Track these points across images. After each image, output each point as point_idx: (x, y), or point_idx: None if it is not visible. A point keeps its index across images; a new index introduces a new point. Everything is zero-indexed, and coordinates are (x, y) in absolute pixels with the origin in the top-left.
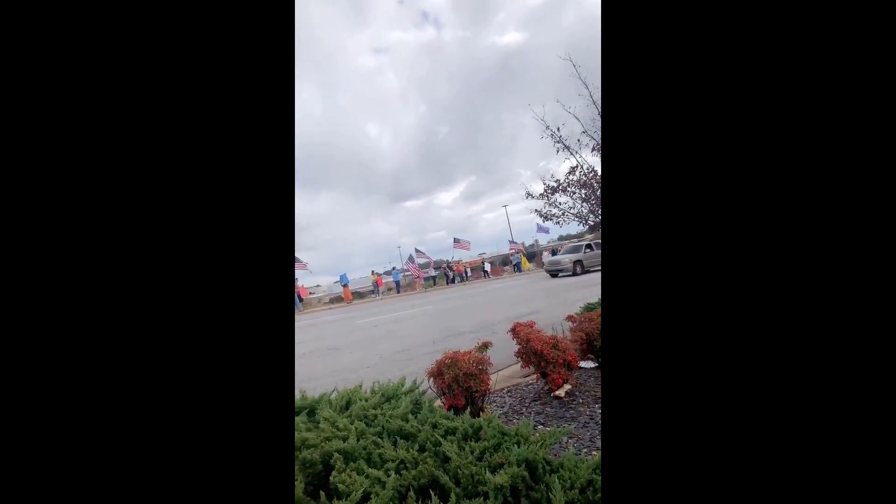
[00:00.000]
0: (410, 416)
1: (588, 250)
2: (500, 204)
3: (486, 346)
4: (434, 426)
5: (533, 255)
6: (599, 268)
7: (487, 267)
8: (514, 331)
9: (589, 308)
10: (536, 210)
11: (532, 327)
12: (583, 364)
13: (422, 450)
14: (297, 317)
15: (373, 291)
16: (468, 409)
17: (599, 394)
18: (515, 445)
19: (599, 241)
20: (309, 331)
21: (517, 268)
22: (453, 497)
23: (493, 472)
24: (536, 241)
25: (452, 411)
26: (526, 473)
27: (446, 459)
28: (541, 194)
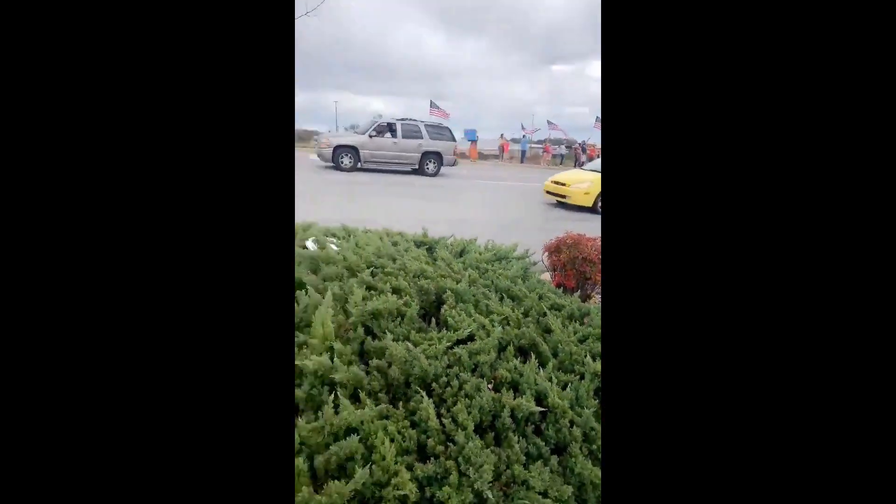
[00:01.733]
0: (519, 281)
1: (373, 136)
2: None
3: None
4: (540, 297)
5: None
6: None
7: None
8: None
9: None
10: None
11: None
12: None
13: (526, 314)
14: None
15: (498, 156)
16: (576, 293)
17: None
18: None
19: (400, 126)
20: (436, 179)
21: None
22: (549, 366)
23: (594, 358)
24: None
25: (561, 290)
26: None
27: (548, 331)
28: None
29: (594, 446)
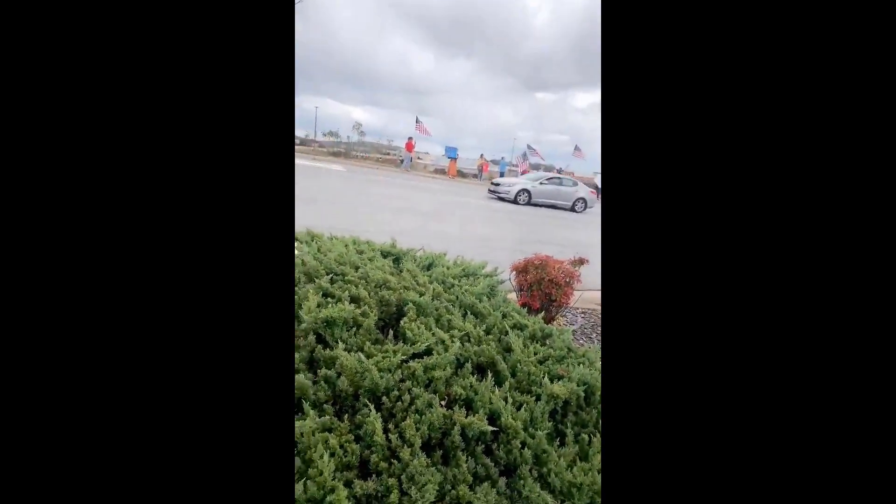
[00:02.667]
0: (485, 298)
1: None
2: None
3: (581, 261)
4: (504, 315)
5: None
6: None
7: (598, 184)
8: None
9: None
10: None
11: None
12: None
13: (488, 332)
14: (401, 176)
15: (476, 175)
16: (540, 314)
17: None
18: (580, 364)
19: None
20: (411, 191)
21: None
22: (506, 386)
23: (552, 380)
24: None
25: (526, 310)
26: (582, 394)
27: (508, 350)
28: None
29: (545, 469)
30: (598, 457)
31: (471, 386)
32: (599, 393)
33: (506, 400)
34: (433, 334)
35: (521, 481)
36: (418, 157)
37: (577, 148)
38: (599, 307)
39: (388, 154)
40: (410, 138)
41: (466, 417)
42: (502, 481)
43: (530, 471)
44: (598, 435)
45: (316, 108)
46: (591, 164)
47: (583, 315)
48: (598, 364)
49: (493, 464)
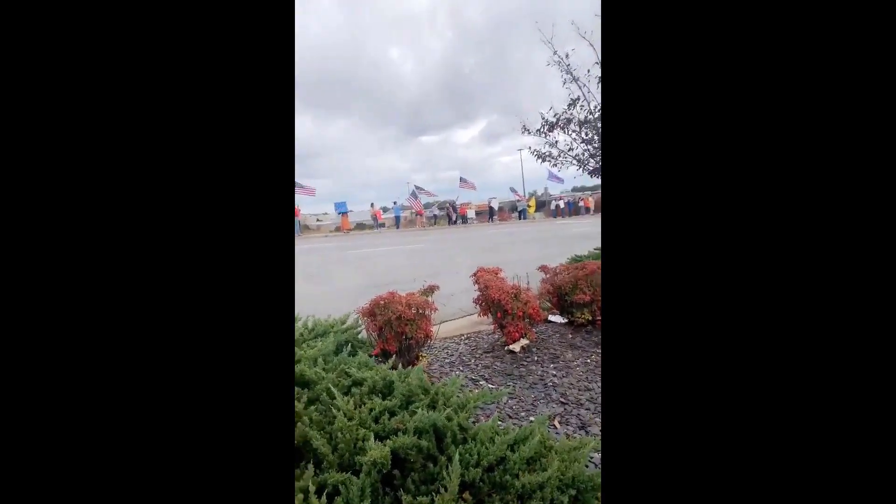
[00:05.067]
0: (321, 360)
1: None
2: (518, 147)
3: (431, 289)
4: (346, 374)
5: (543, 203)
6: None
7: (495, 209)
8: (477, 276)
9: (575, 260)
10: (530, 148)
11: (496, 274)
12: (553, 318)
13: (311, 402)
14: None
15: (372, 225)
16: (397, 356)
17: (558, 352)
18: (429, 408)
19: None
20: (304, 256)
21: (522, 215)
22: (324, 465)
23: (384, 439)
24: (546, 189)
25: (383, 356)
26: (428, 443)
27: (333, 421)
28: (537, 130)
29: None
30: None
31: None
32: (450, 435)
33: (306, 492)
34: None
35: None
36: (317, 220)
37: (462, 179)
38: (484, 329)
39: None
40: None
41: None
42: None
43: None
44: (444, 490)
45: None
46: (483, 192)
47: (465, 340)
48: (454, 399)
49: None
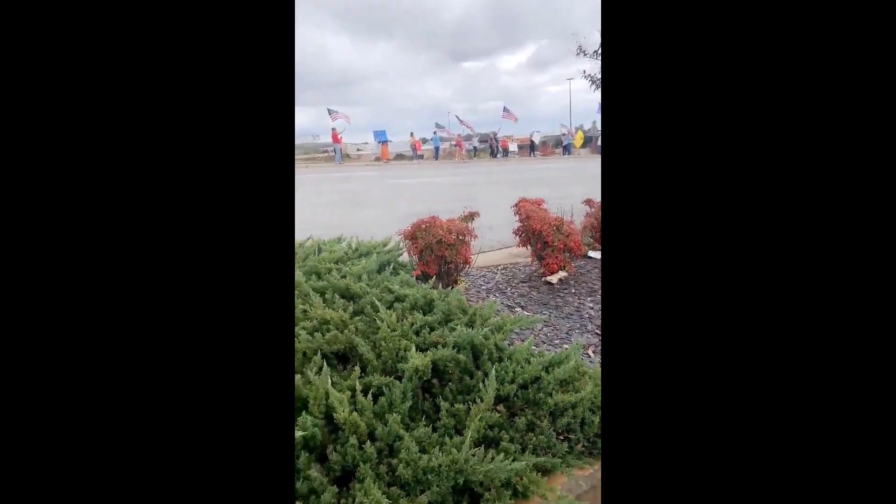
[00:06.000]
0: (365, 276)
1: None
2: (568, 76)
3: (471, 216)
4: (388, 290)
5: (590, 139)
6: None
7: (537, 143)
8: (518, 206)
9: None
10: (584, 72)
11: (539, 205)
12: (592, 254)
13: (356, 313)
14: (336, 170)
15: (412, 156)
16: (437, 279)
17: (596, 287)
18: (467, 326)
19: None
20: (342, 184)
21: (567, 150)
22: (368, 370)
23: (424, 351)
24: (594, 123)
25: (423, 278)
26: (466, 358)
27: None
28: (595, 51)
29: (395, 460)
30: (474, 427)
31: (309, 382)
32: (486, 353)
33: (354, 390)
34: None
35: (360, 485)
36: (357, 149)
37: (505, 110)
38: (521, 261)
39: (326, 151)
40: (333, 129)
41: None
42: (331, 492)
43: (376, 466)
44: (480, 401)
45: None
46: (525, 124)
47: (502, 270)
48: (492, 320)
49: (324, 474)
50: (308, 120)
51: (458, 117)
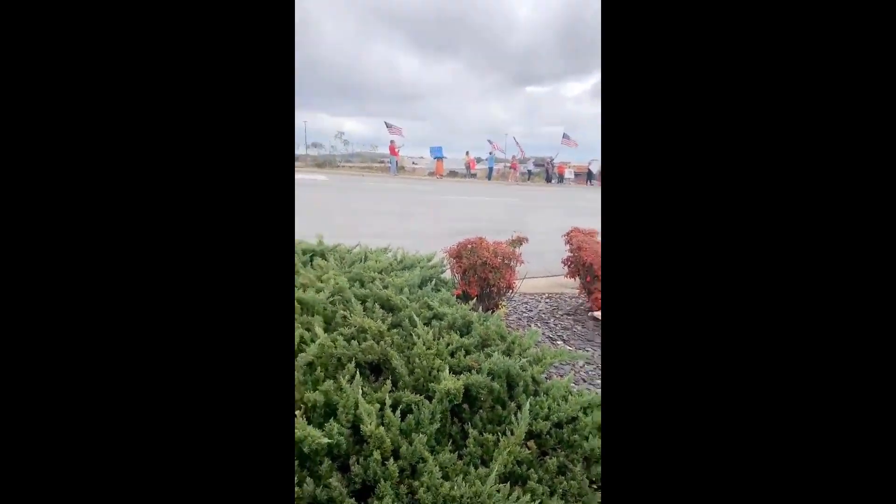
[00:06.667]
0: (407, 290)
1: None
2: None
3: (519, 241)
4: (428, 306)
5: None
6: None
7: (594, 172)
8: (570, 236)
9: None
10: None
11: (592, 236)
12: None
13: (394, 326)
14: (391, 181)
15: (465, 174)
16: (478, 300)
17: None
18: (504, 354)
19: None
20: (396, 194)
21: None
22: (400, 384)
23: (458, 374)
24: None
25: (463, 298)
26: (500, 387)
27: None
28: None
29: (417, 482)
30: (501, 460)
31: (340, 389)
32: (522, 384)
33: (382, 404)
34: (312, 339)
35: (378, 501)
36: (413, 163)
37: (565, 136)
38: (568, 291)
39: (383, 162)
40: (392, 142)
41: (308, 429)
42: None
43: (397, 485)
44: (510, 434)
45: (305, 123)
46: (584, 152)
47: (547, 300)
48: (531, 350)
49: (345, 483)
50: (369, 130)
51: (514, 139)
